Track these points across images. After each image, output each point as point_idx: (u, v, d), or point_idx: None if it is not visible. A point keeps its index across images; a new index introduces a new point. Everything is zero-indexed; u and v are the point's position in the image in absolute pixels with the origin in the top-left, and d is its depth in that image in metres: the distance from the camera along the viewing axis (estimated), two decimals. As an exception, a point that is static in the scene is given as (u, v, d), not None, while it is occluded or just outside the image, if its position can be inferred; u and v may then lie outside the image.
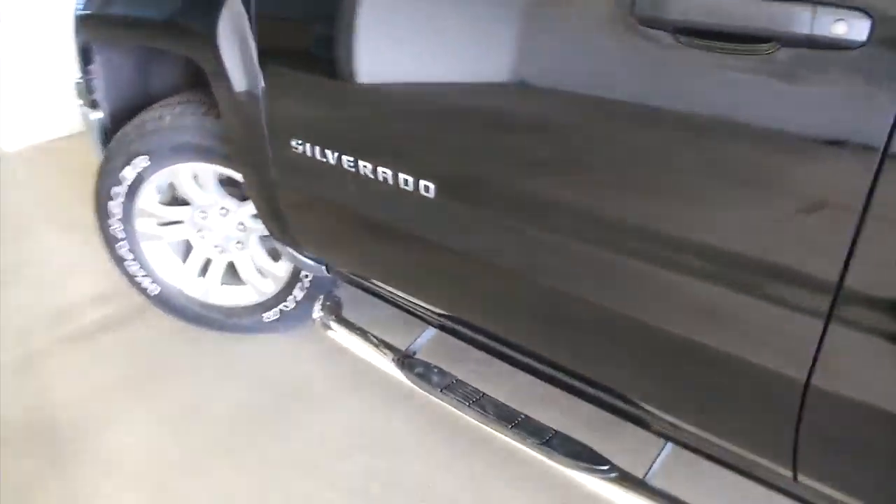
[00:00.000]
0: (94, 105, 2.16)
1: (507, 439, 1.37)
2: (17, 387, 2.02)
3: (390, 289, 1.58)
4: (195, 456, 1.79)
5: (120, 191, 1.98)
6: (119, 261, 2.12)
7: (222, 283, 2.13)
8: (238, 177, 1.87)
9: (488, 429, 1.41)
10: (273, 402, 1.95)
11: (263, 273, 2.08)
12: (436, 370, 1.51)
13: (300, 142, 1.45)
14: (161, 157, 1.90)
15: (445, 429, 1.83)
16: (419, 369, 1.52)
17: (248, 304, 2.12)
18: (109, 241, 2.09)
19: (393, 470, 1.74)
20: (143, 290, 2.16)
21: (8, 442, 1.83)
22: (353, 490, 1.69)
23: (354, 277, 1.66)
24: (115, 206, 2.01)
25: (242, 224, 2.01)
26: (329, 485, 1.71)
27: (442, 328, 1.59)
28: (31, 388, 2.01)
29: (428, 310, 1.54)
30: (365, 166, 1.36)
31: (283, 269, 2.03)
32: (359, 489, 1.69)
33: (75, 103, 2.31)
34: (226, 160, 1.84)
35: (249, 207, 1.96)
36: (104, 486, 1.71)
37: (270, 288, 2.08)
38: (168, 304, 2.17)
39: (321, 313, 1.75)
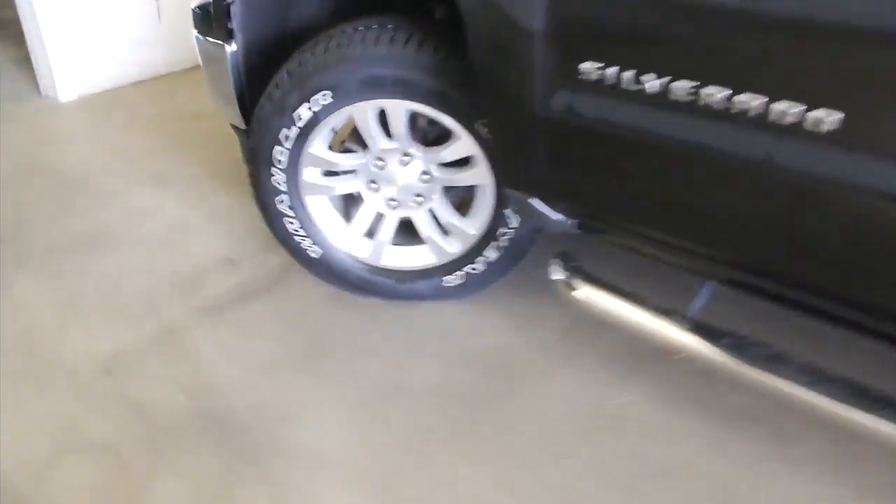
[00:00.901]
0: (229, 36, 1.82)
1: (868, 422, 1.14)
2: (168, 368, 1.72)
3: (672, 240, 1.32)
4: (410, 444, 1.53)
5: (291, 134, 1.66)
6: (276, 218, 1.81)
7: (392, 244, 1.85)
8: (440, 117, 1.58)
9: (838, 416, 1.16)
10: (478, 379, 1.68)
11: (447, 231, 1.79)
12: (750, 339, 1.26)
13: (597, 65, 1.16)
14: (347, 93, 1.58)
15: (691, 403, 1.59)
16: (729, 339, 1.26)
17: (426, 266, 1.84)
18: (266, 195, 1.78)
19: (645, 454, 1.50)
20: (301, 253, 1.86)
21: (182, 434, 1.55)
22: (610, 479, 1.44)
23: (621, 232, 1.38)
24: (281, 153, 1.69)
25: (427, 173, 1.71)
26: (577, 474, 1.46)
27: (733, 283, 1.33)
28: (184, 370, 1.72)
29: (723, 261, 1.28)
30: (690, 89, 1.08)
31: (474, 225, 1.74)
32: (616, 478, 1.45)
33: (192, 35, 1.98)
34: (428, 97, 1.54)
35: (437, 153, 1.66)
36: (315, 484, 1.45)
37: (455, 248, 1.79)
38: (329, 268, 1.87)
39: (564, 273, 1.47)
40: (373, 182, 1.76)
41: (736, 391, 1.61)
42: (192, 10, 1.96)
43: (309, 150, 1.68)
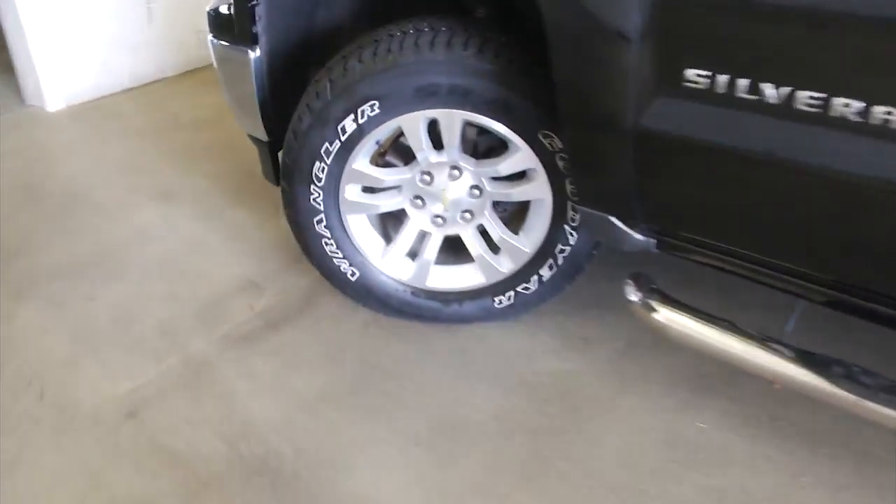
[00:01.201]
0: (253, 40, 1.67)
1: None
2: (199, 409, 1.56)
3: (778, 262, 1.20)
4: (478, 485, 1.39)
5: (333, 148, 1.51)
6: (313, 239, 1.66)
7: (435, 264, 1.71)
8: (498, 127, 1.45)
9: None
10: (540, 409, 1.56)
11: (497, 248, 1.66)
12: (862, 369, 1.15)
13: (704, 72, 1.04)
14: (397, 103, 1.44)
15: (767, 428, 1.48)
16: (839, 368, 1.15)
17: (474, 287, 1.71)
18: (302, 215, 1.63)
19: (729, 487, 1.38)
20: (337, 275, 1.72)
21: (222, 485, 1.39)
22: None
23: (709, 251, 1.27)
24: (322, 169, 1.55)
25: (478, 188, 1.58)
26: (665, 513, 1.35)
27: (831, 304, 1.22)
28: (217, 410, 1.56)
29: (831, 282, 1.18)
30: (816, 100, 0.97)
31: (529, 242, 1.62)
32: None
33: (207, 38, 1.83)
34: (486, 106, 1.41)
35: (492, 167, 1.53)
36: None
37: (507, 266, 1.67)
38: (368, 291, 1.73)
39: (640, 294, 1.35)
40: (418, 198, 1.62)
41: (810, 410, 1.51)
42: (208, 13, 1.81)
43: (352, 166, 1.54)
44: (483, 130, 1.52)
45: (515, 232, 1.64)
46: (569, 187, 1.49)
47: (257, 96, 1.73)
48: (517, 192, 1.56)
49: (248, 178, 2.49)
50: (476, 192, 1.59)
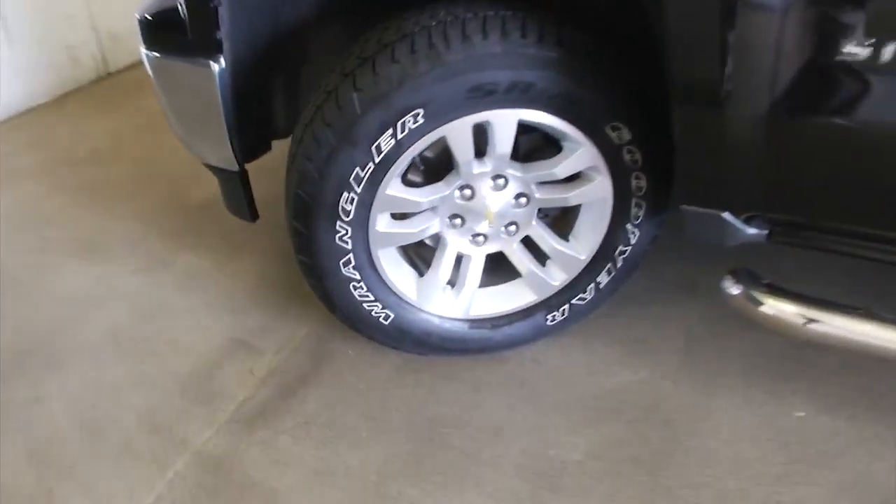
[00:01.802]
0: (217, 49, 1.34)
1: None
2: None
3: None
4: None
5: (365, 173, 1.23)
6: (339, 286, 1.37)
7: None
8: (556, 124, 1.24)
9: None
10: (634, 432, 1.37)
11: (545, 259, 1.46)
12: None
13: (865, 43, 0.89)
14: (445, 109, 1.18)
15: (874, 407, 1.39)
16: None
17: (524, 306, 1.50)
18: (327, 259, 1.32)
19: (867, 478, 1.27)
20: (367, 322, 1.44)
21: None
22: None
23: (833, 238, 1.14)
24: (351, 200, 1.25)
25: (524, 195, 1.37)
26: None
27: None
28: (261, 514, 1.25)
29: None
30: None
31: (584, 248, 1.43)
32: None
33: (141, 54, 1.46)
34: (549, 101, 1.19)
35: (547, 170, 1.32)
36: None
37: (559, 278, 1.47)
38: (404, 333, 1.46)
39: (741, 287, 1.20)
40: (456, 217, 1.37)
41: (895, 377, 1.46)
42: (140, 21, 1.43)
43: (385, 191, 1.26)
44: (523, 130, 1.30)
45: (564, 238, 1.45)
46: (640, 183, 1.32)
47: (224, 118, 1.40)
48: (575, 196, 1.36)
49: (186, 214, 2.10)
50: (523, 200, 1.38)
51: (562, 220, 1.48)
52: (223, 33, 1.33)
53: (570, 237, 1.45)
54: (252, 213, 1.60)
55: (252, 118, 1.49)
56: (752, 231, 1.17)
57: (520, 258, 1.45)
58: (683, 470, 1.31)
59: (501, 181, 1.34)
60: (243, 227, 1.75)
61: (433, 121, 1.19)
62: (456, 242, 1.42)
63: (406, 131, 1.19)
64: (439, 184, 1.34)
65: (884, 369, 1.46)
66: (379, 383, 1.52)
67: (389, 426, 1.41)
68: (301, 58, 1.58)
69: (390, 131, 1.19)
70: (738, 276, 1.22)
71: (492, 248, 1.44)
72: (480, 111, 1.20)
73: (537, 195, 1.37)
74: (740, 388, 1.46)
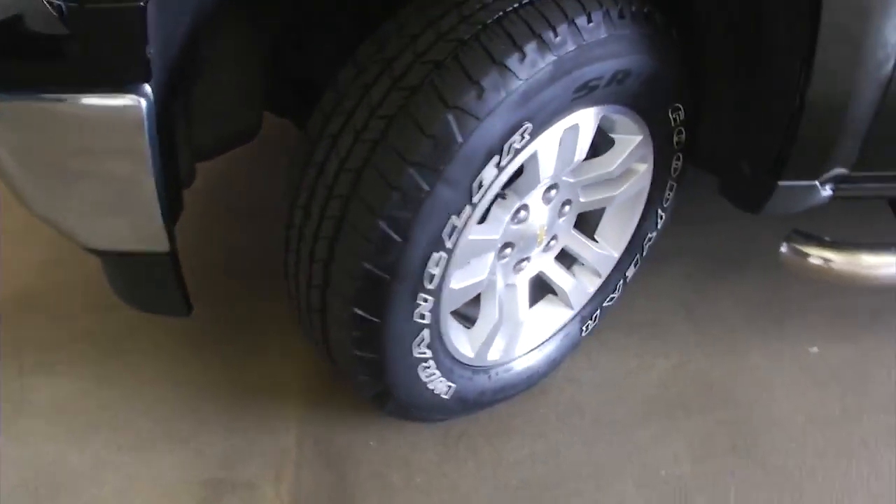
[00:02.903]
0: (141, 74, 0.86)
1: None
2: None
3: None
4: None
5: (461, 220, 0.88)
6: (404, 373, 1.00)
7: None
8: (622, 116, 1.05)
9: None
10: (714, 418, 1.29)
11: (581, 265, 1.28)
12: None
13: None
14: (549, 117, 0.90)
15: None
16: None
17: (562, 324, 1.30)
18: (395, 346, 0.95)
19: None
20: (429, 402, 1.10)
21: None
22: None
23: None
24: (439, 261, 0.90)
25: (569, 202, 1.16)
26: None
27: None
28: None
29: None
30: None
31: (617, 244, 1.28)
32: None
33: None
34: (635, 90, 0.99)
35: (596, 170, 1.13)
36: None
37: (593, 282, 1.31)
38: (463, 401, 1.16)
39: (804, 247, 1.19)
40: (507, 247, 1.10)
41: None
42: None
43: (469, 237, 0.94)
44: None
45: (592, 240, 1.29)
46: (677, 164, 1.22)
47: (156, 178, 0.92)
48: (623, 192, 1.19)
49: (78, 317, 1.40)
50: (566, 208, 1.17)
51: (581, 221, 1.31)
52: (152, 47, 0.84)
53: (597, 237, 1.30)
54: (187, 305, 1.12)
55: (176, 167, 1.02)
56: (827, 193, 1.16)
57: (559, 274, 1.25)
58: (776, 440, 1.29)
59: (553, 191, 1.12)
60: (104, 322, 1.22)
61: (534, 136, 0.91)
62: (502, 275, 1.15)
63: (511, 154, 0.89)
64: (497, 211, 1.05)
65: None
66: (433, 468, 1.20)
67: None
68: (196, 72, 1.11)
69: (496, 159, 0.87)
70: (800, 239, 1.21)
71: (532, 271, 1.22)
72: (574, 113, 0.96)
73: (581, 199, 1.18)
74: (758, 341, 1.48)
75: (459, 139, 0.84)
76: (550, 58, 0.86)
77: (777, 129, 1.06)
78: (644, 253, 1.35)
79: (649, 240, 1.34)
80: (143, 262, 1.05)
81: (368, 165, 0.85)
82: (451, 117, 0.83)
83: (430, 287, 0.93)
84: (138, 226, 1.00)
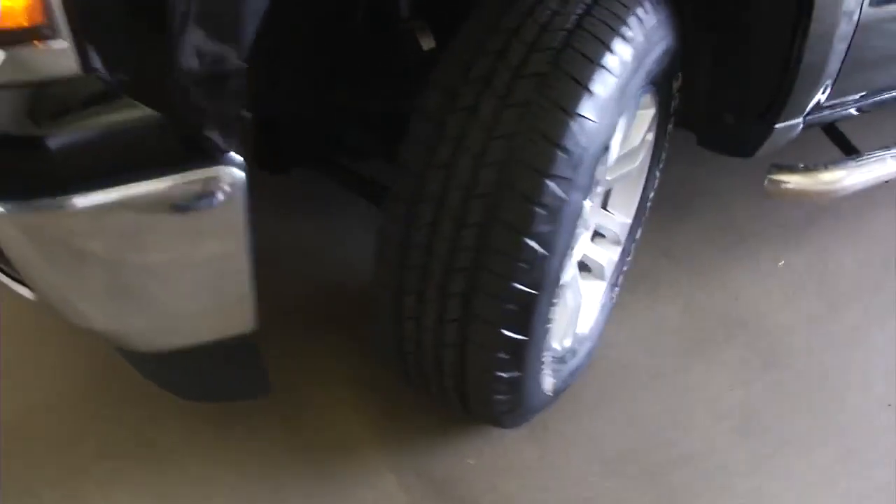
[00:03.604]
0: (241, 141, 0.79)
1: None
2: None
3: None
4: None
5: (581, 220, 0.89)
6: (535, 378, 1.00)
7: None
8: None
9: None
10: (757, 366, 1.46)
11: (603, 237, 1.37)
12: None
13: None
14: (634, 107, 0.97)
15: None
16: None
17: (601, 297, 1.37)
18: (536, 356, 0.95)
19: None
20: (540, 403, 1.11)
21: None
22: None
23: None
24: (568, 257, 0.90)
25: (599, 180, 1.22)
26: None
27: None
28: None
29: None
30: None
31: (629, 210, 1.37)
32: None
33: None
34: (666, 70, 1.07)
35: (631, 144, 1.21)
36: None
37: (615, 251, 1.39)
38: (556, 392, 1.19)
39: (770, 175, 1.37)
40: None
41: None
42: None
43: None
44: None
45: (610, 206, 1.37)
46: (671, 127, 1.33)
47: (250, 251, 0.85)
48: (641, 162, 1.28)
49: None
50: (598, 188, 1.23)
51: (593, 196, 1.39)
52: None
53: (610, 208, 1.38)
54: (266, 382, 1.04)
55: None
56: (800, 126, 1.33)
57: (597, 250, 1.32)
58: (793, 347, 1.47)
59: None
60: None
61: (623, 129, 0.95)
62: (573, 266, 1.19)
63: (609, 149, 0.93)
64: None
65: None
66: (537, 463, 1.23)
67: None
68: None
69: (604, 156, 0.91)
70: (784, 168, 1.38)
71: (579, 253, 1.27)
72: (643, 98, 1.01)
73: (608, 177, 1.25)
74: (736, 266, 1.66)
75: (584, 144, 0.86)
76: (630, 51, 0.91)
77: (772, 80, 1.21)
78: (647, 213, 1.46)
79: (650, 200, 1.45)
80: (222, 348, 0.96)
81: (503, 186, 0.84)
82: (574, 124, 0.85)
83: (558, 290, 0.95)
84: (229, 309, 0.91)
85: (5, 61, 0.70)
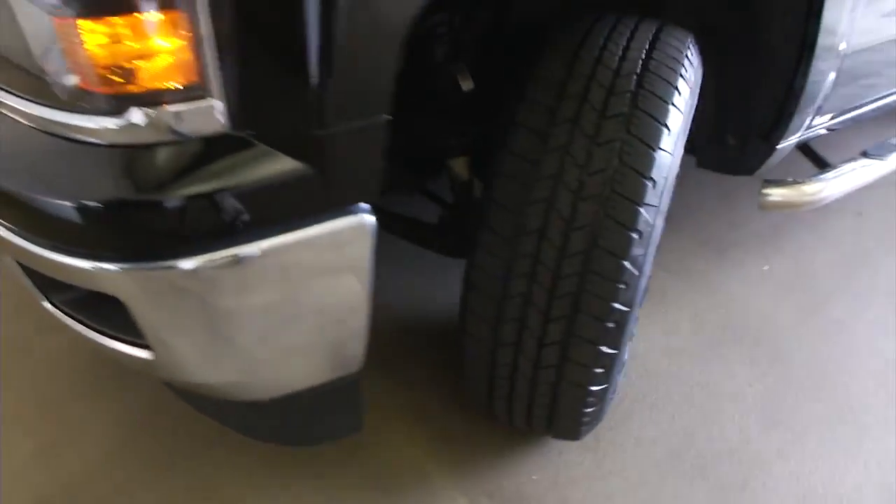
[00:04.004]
0: (377, 190, 0.85)
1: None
2: None
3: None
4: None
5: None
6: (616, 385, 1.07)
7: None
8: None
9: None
10: (761, 353, 1.61)
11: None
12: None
13: None
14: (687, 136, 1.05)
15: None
16: None
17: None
18: (618, 368, 1.02)
19: None
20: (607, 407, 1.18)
21: None
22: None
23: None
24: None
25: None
26: None
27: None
28: None
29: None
30: None
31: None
32: None
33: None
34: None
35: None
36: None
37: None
38: (613, 395, 1.27)
39: (783, 188, 1.53)
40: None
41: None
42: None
43: (646, 255, 1.06)
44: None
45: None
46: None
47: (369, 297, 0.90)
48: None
49: None
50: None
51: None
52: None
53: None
54: (360, 419, 1.08)
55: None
56: (794, 144, 1.50)
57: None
58: (791, 343, 1.63)
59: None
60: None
61: (678, 156, 1.07)
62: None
63: (676, 177, 1.04)
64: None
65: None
66: (597, 471, 1.32)
67: None
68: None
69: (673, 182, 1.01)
70: (773, 183, 1.54)
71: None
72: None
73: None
74: (729, 273, 1.83)
75: (665, 174, 0.96)
76: (688, 89, 1.03)
77: (776, 104, 1.36)
78: (656, 230, 1.59)
79: (660, 218, 1.58)
80: (331, 389, 0.99)
81: (603, 217, 0.93)
82: (659, 158, 0.95)
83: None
84: (346, 349, 0.94)
85: (158, 120, 0.72)
